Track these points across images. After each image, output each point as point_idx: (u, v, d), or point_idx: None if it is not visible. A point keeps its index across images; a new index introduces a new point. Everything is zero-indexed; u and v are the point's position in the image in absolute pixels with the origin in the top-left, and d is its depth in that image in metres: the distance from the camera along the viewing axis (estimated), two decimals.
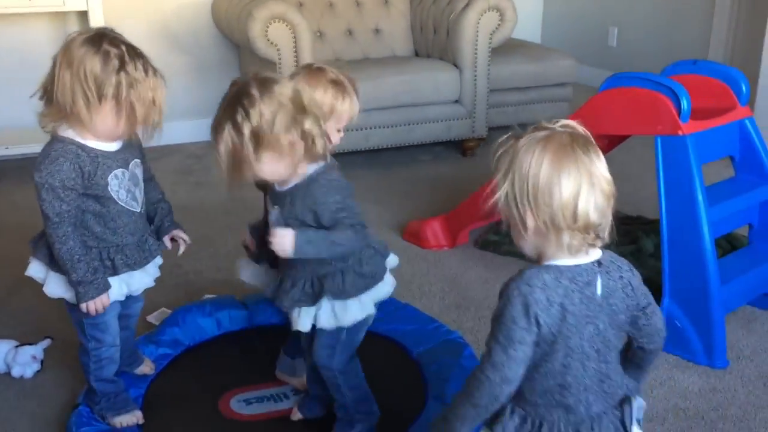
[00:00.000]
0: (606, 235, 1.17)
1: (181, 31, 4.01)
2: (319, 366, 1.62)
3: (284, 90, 1.44)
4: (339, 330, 1.57)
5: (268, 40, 3.31)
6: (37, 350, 2.02)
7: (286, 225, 1.51)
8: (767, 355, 2.09)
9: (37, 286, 2.48)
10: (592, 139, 1.22)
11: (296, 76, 1.71)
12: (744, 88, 2.21)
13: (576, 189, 1.13)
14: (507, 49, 3.94)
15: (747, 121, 2.23)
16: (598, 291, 1.18)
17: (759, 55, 3.44)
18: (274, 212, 1.55)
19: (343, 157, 3.67)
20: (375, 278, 1.60)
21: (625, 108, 2.17)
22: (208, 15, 4.02)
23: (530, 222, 1.16)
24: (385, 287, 1.63)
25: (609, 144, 2.48)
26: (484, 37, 3.66)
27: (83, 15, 3.60)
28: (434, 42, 3.90)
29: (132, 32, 4.18)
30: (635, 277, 1.25)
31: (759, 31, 3.55)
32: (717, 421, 1.82)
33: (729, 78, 2.24)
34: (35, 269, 1.67)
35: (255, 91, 1.42)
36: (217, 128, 1.43)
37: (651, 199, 2.37)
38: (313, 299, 1.55)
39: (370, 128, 3.47)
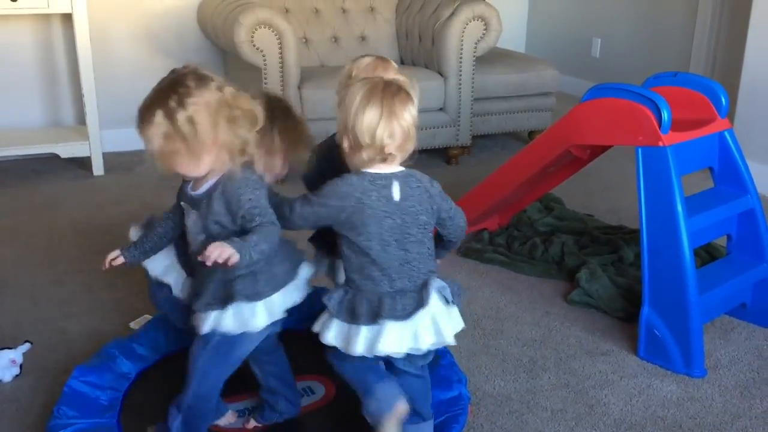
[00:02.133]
0: (402, 155, 1.55)
1: (167, 34, 4.00)
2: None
3: (222, 88, 1.48)
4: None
5: (254, 45, 3.31)
6: (16, 354, 2.00)
7: (205, 229, 1.53)
8: (744, 365, 2.12)
9: (17, 290, 2.48)
10: (408, 92, 1.56)
11: (362, 60, 1.97)
12: (723, 100, 2.24)
13: (375, 119, 1.49)
14: (491, 58, 3.97)
15: (726, 133, 2.26)
16: (395, 194, 1.54)
17: (739, 68, 3.49)
18: (191, 217, 1.56)
19: None
20: (286, 279, 1.60)
21: (606, 119, 2.20)
22: (193, 19, 4.02)
23: (345, 142, 1.54)
24: (298, 293, 1.62)
25: (591, 154, 2.51)
26: (468, 46, 3.68)
27: (68, 18, 3.60)
28: (419, 50, 3.92)
29: (116, 35, 4.21)
30: (434, 187, 1.63)
31: (739, 43, 3.60)
32: (694, 429, 1.84)
33: (709, 90, 2.27)
34: None
35: (192, 83, 1.44)
36: (146, 112, 1.43)
37: (631, 210, 2.40)
38: (223, 303, 1.53)
39: None
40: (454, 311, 1.59)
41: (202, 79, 1.46)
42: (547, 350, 2.18)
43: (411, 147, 1.56)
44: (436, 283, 1.56)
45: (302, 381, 1.92)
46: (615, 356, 2.15)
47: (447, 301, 1.57)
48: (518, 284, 2.59)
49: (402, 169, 1.57)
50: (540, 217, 2.98)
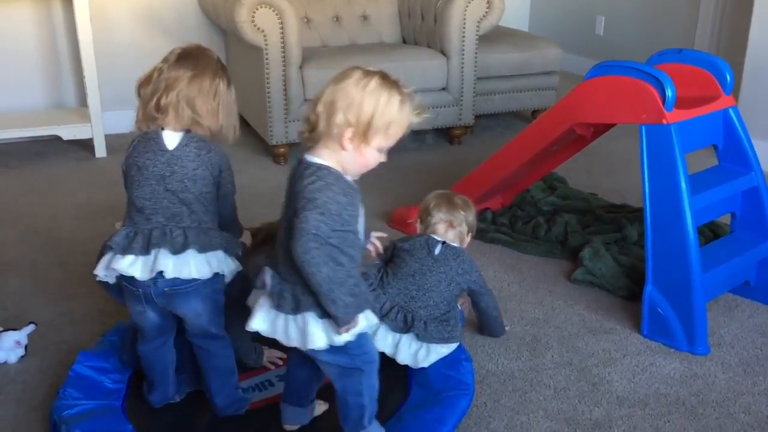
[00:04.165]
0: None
1: (167, 15, 3.98)
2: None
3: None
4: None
5: (255, 25, 3.29)
6: (21, 336, 2.01)
7: None
8: (748, 342, 2.12)
9: (21, 272, 2.49)
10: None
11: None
12: (728, 77, 2.23)
13: None
14: (494, 36, 3.94)
15: (731, 111, 2.24)
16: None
17: (744, 46, 3.46)
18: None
19: None
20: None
21: (610, 96, 2.18)
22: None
23: None
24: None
25: (594, 132, 2.50)
26: (471, 24, 3.65)
27: (68, 0, 3.57)
28: (422, 29, 3.89)
29: (117, 17, 4.19)
30: None
31: (744, 20, 3.57)
32: (697, 406, 1.85)
33: (713, 67, 2.25)
34: None
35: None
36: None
37: (635, 188, 2.40)
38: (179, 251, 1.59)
39: None
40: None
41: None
42: (550, 329, 2.18)
43: None
44: None
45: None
46: (618, 334, 2.15)
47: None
48: (521, 264, 2.59)
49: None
50: (543, 197, 2.97)
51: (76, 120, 3.63)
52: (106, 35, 3.82)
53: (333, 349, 1.48)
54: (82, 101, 3.80)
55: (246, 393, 1.81)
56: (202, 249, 1.60)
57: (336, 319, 1.42)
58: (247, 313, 1.90)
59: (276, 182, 3.32)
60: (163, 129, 1.61)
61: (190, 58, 1.62)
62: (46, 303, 2.29)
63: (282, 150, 3.55)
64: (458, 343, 1.91)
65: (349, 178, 1.46)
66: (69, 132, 3.59)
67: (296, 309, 1.45)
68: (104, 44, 3.77)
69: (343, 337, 1.45)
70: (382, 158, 1.48)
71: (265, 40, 3.32)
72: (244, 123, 4.11)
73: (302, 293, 1.44)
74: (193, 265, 1.58)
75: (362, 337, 1.50)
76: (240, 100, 4.04)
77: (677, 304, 2.06)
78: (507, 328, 2.12)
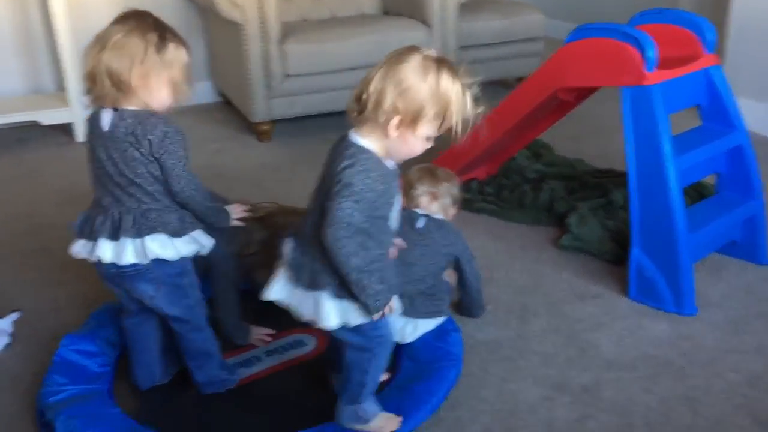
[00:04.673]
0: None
1: None
2: None
3: None
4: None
5: (233, 2, 3.24)
6: (6, 323, 1.99)
7: None
8: (735, 301, 2.12)
9: (4, 259, 2.46)
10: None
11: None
12: (710, 36, 2.20)
13: None
14: (475, 4, 3.90)
15: (713, 69, 2.22)
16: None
17: (729, 5, 3.43)
18: None
19: (314, 120, 3.64)
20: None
21: (590, 59, 2.16)
22: None
23: None
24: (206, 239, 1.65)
25: (577, 96, 2.48)
26: None
27: None
28: None
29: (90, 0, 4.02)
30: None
31: None
32: (686, 366, 1.85)
33: (695, 26, 2.22)
34: None
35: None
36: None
37: (621, 153, 2.37)
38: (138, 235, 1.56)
39: (340, 90, 3.43)
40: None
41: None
42: (538, 296, 2.18)
43: None
44: None
45: (292, 335, 1.93)
46: (606, 299, 2.15)
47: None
48: (508, 232, 2.58)
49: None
50: (529, 164, 2.96)
51: (55, 105, 3.58)
52: (82, 18, 3.74)
53: (348, 329, 1.47)
54: (60, 86, 3.75)
55: (234, 369, 1.80)
56: (138, 234, 1.54)
57: (367, 308, 1.41)
58: (233, 291, 1.89)
59: (260, 160, 3.30)
60: (102, 108, 1.54)
61: (117, 22, 1.52)
62: (30, 290, 2.27)
63: (265, 127, 3.51)
64: (446, 317, 1.91)
65: (389, 163, 1.42)
66: (48, 117, 3.54)
67: (312, 285, 1.44)
68: (81, 27, 3.69)
69: (357, 320, 1.44)
70: (429, 145, 1.41)
71: (244, 16, 3.27)
72: (226, 101, 4.07)
73: (320, 270, 1.42)
74: (130, 251, 1.54)
75: (378, 321, 1.48)
76: (222, 78, 3.98)
77: (664, 266, 2.05)
78: (488, 309, 2.09)
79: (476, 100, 1.38)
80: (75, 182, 3.09)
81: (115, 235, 1.54)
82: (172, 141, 1.53)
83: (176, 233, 1.57)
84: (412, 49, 1.37)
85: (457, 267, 1.97)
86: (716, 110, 2.25)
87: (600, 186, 2.73)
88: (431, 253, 1.88)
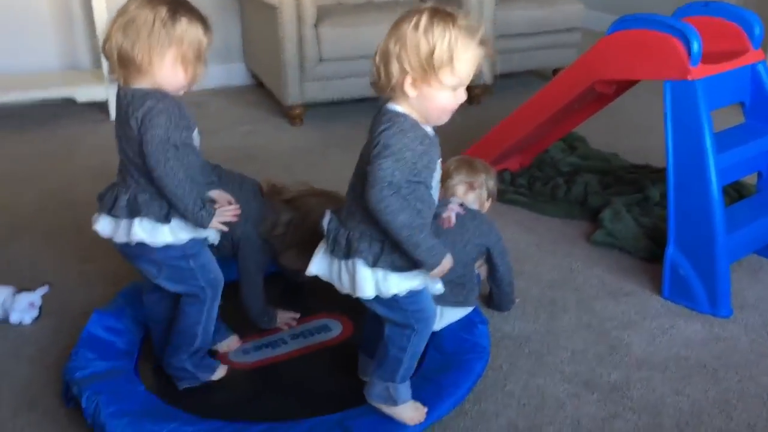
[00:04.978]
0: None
1: None
2: None
3: None
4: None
5: None
6: (35, 297, 2.01)
7: None
8: None
9: (36, 234, 2.49)
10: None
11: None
12: (757, 30, 2.14)
13: None
14: None
15: (759, 66, 2.15)
16: None
17: None
18: None
19: (347, 105, 3.62)
20: None
21: (633, 51, 2.11)
22: None
23: None
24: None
25: (617, 89, 2.42)
26: None
27: None
28: None
29: None
30: None
31: None
32: (719, 369, 1.80)
33: (742, 20, 2.16)
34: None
35: None
36: None
37: (658, 148, 2.33)
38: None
39: None
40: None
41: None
42: (569, 291, 2.14)
43: None
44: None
45: (318, 319, 1.92)
46: (638, 297, 2.11)
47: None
48: (540, 225, 2.54)
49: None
50: (563, 157, 2.91)
51: (91, 82, 3.61)
52: None
53: (387, 303, 1.46)
54: (97, 63, 3.77)
55: (259, 350, 1.81)
56: (129, 215, 1.52)
57: (423, 264, 1.39)
58: (258, 274, 1.88)
59: (291, 143, 3.29)
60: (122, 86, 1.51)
61: None
62: (61, 265, 2.29)
63: (298, 111, 3.50)
64: (473, 307, 1.88)
65: (428, 127, 1.41)
66: (84, 94, 3.57)
67: (347, 254, 1.43)
68: (117, 4, 3.72)
69: (392, 290, 1.43)
70: (461, 97, 1.38)
71: None
72: (259, 84, 4.06)
73: (357, 238, 1.41)
74: (122, 231, 1.54)
75: (417, 294, 1.47)
76: (256, 60, 3.99)
77: (700, 265, 2.00)
78: (516, 302, 2.05)
79: (482, 42, 1.35)
80: (108, 160, 3.08)
81: (113, 212, 1.54)
82: (152, 117, 1.45)
83: (162, 219, 1.52)
84: (411, 9, 1.36)
85: (489, 259, 1.94)
86: (760, 108, 2.18)
87: (636, 181, 2.67)
88: (462, 242, 1.85)
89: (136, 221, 1.52)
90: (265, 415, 1.59)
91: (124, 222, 1.54)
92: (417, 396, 1.60)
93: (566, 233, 2.48)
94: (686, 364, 1.82)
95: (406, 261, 1.41)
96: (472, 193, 1.93)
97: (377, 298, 1.44)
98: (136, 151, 1.48)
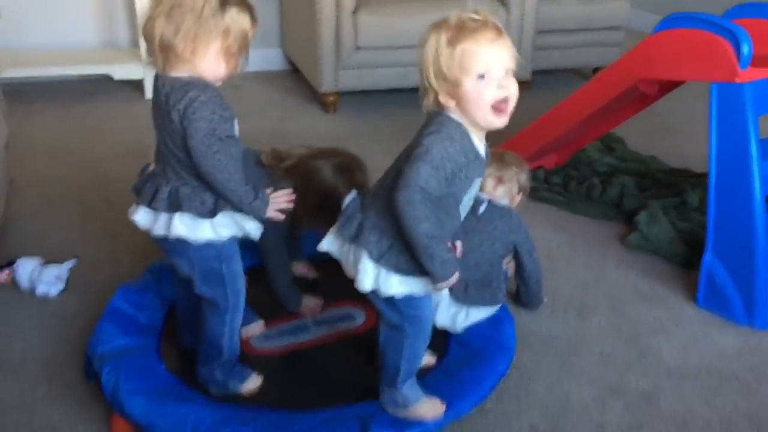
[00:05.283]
0: None
1: None
2: None
3: None
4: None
5: None
6: (62, 270, 2.02)
7: None
8: None
9: (66, 208, 2.50)
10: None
11: None
12: None
13: None
14: None
15: None
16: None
17: None
18: None
19: (381, 95, 3.59)
20: None
21: (680, 51, 2.04)
22: None
23: None
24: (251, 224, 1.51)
25: (660, 90, 2.36)
26: None
27: None
28: None
29: None
30: None
31: None
32: (752, 382, 1.75)
33: None
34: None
35: None
36: None
37: (698, 153, 2.27)
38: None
39: (409, 66, 3.36)
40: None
41: None
42: (600, 293, 2.09)
43: None
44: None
45: (342, 307, 1.90)
46: (672, 303, 2.05)
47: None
48: (573, 225, 2.49)
49: None
50: (600, 157, 2.85)
51: (128, 60, 3.62)
52: None
53: (385, 299, 1.43)
54: (135, 41, 3.79)
55: (281, 336, 1.79)
56: (169, 209, 1.45)
57: (432, 275, 1.36)
58: (282, 251, 1.85)
59: (323, 131, 3.27)
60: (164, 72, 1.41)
61: None
62: (90, 240, 2.30)
63: (332, 98, 3.47)
64: (499, 305, 1.84)
65: (480, 144, 1.38)
66: (120, 72, 3.58)
67: (354, 239, 1.41)
68: None
69: (390, 290, 1.40)
70: (501, 83, 1.31)
71: None
72: (294, 70, 4.05)
73: (369, 228, 1.39)
74: (161, 225, 1.47)
75: (416, 299, 1.43)
76: (293, 46, 3.96)
77: (738, 274, 1.94)
78: (545, 301, 2.01)
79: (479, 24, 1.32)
80: (141, 138, 3.11)
81: (152, 204, 1.47)
82: (196, 109, 1.37)
83: (205, 214, 1.44)
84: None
85: (516, 256, 1.90)
86: None
87: (674, 185, 2.61)
88: (490, 240, 1.81)
89: (177, 216, 1.44)
90: (283, 403, 1.57)
91: (163, 215, 1.46)
92: (438, 391, 1.57)
93: (600, 234, 2.42)
94: (718, 375, 1.77)
95: (411, 265, 1.38)
96: (502, 187, 1.88)
97: (376, 292, 1.42)
98: (178, 144, 1.40)
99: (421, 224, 1.31)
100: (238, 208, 1.45)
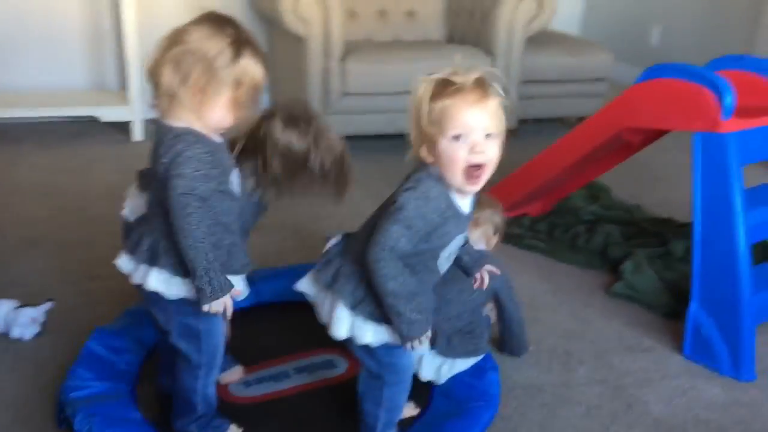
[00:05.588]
0: None
1: (212, 1, 3.94)
2: None
3: None
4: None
5: (298, 15, 3.23)
6: (38, 312, 1.97)
7: None
8: None
9: (47, 249, 2.46)
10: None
11: None
12: None
13: None
14: (543, 39, 3.83)
15: None
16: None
17: None
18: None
19: (368, 140, 3.60)
20: None
21: (663, 101, 2.06)
22: None
23: None
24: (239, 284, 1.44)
25: (644, 139, 2.38)
26: (519, 25, 3.55)
27: None
28: (469, 27, 3.80)
29: (161, 2, 4.16)
30: None
31: None
32: None
33: None
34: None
35: None
36: None
37: (683, 203, 2.27)
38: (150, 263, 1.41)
39: (396, 112, 3.39)
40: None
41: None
42: (585, 343, 2.07)
43: None
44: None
45: (324, 355, 1.86)
46: (657, 354, 2.03)
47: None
48: (557, 273, 2.47)
49: None
50: (585, 205, 2.85)
51: (116, 102, 3.63)
52: (150, 19, 3.80)
53: (362, 347, 1.41)
54: (123, 84, 3.80)
55: (261, 383, 1.75)
56: (148, 261, 1.40)
57: (400, 334, 1.34)
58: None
59: None
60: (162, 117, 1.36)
61: (192, 23, 1.34)
62: (68, 282, 2.25)
63: None
64: (484, 353, 1.81)
65: (462, 203, 1.37)
66: (108, 114, 3.58)
67: (330, 286, 1.39)
68: (148, 28, 3.74)
69: (365, 338, 1.38)
70: (477, 148, 1.29)
71: (308, 32, 3.26)
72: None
73: (345, 275, 1.38)
74: (139, 275, 1.42)
75: (393, 347, 1.40)
76: (281, 91, 3.96)
77: (723, 325, 1.93)
78: (530, 349, 1.98)
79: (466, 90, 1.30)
80: (126, 180, 3.08)
81: (134, 253, 1.43)
82: (178, 164, 1.31)
83: (182, 272, 1.37)
84: None
85: (497, 301, 1.88)
86: None
87: (659, 234, 2.61)
88: (470, 288, 1.77)
89: (155, 270, 1.39)
90: None
91: (142, 266, 1.42)
92: None
93: (584, 283, 2.41)
94: (705, 428, 1.74)
95: (386, 315, 1.36)
96: (477, 230, 1.86)
97: (352, 339, 1.40)
98: (161, 195, 1.35)
99: (388, 283, 1.30)
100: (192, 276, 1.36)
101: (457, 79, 1.31)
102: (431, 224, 1.32)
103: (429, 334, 1.37)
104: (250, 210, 1.68)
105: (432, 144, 1.32)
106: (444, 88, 1.31)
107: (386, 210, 1.34)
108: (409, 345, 1.35)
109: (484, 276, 1.59)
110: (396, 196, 1.33)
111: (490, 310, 1.92)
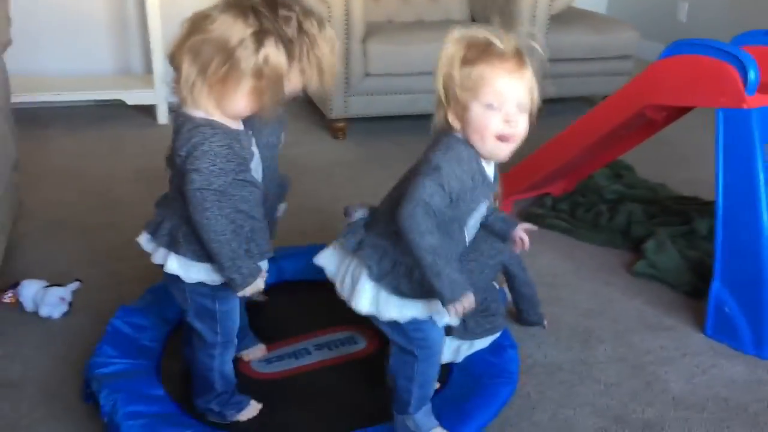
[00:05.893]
0: None
1: None
2: None
3: None
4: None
5: None
6: (65, 292, 2.02)
7: None
8: None
9: (73, 231, 2.51)
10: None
11: None
12: None
13: None
14: (568, 17, 3.78)
15: None
16: None
17: None
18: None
19: (390, 121, 3.60)
20: None
21: (686, 77, 2.03)
22: None
23: None
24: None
25: (667, 117, 2.34)
26: (544, 3, 3.51)
27: None
28: (492, 7, 3.76)
29: None
30: None
31: None
32: (761, 413, 1.71)
33: None
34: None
35: None
36: None
37: (708, 181, 2.24)
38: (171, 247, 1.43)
39: (418, 93, 3.38)
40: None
41: None
42: (605, 321, 2.06)
43: None
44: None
45: (344, 332, 1.88)
46: (679, 332, 2.02)
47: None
48: (579, 252, 2.46)
49: None
50: (608, 184, 2.83)
51: (141, 86, 3.67)
52: (173, 3, 3.82)
53: (389, 323, 1.40)
54: (148, 68, 3.83)
55: (282, 360, 1.78)
56: (168, 245, 1.42)
57: (441, 297, 1.28)
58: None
59: (332, 157, 3.27)
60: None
61: (215, 8, 1.31)
62: (95, 263, 2.30)
63: (341, 125, 3.49)
64: (501, 330, 1.81)
65: (489, 167, 1.35)
66: (133, 97, 3.62)
67: (355, 251, 1.37)
68: (172, 12, 3.77)
69: (390, 313, 1.36)
70: (510, 118, 1.27)
71: (329, 12, 3.26)
72: (303, 95, 4.07)
73: (370, 244, 1.36)
74: (159, 256, 1.45)
75: (422, 323, 1.40)
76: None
77: (746, 303, 1.91)
78: (545, 323, 1.98)
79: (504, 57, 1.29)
80: (151, 163, 3.13)
81: (154, 236, 1.45)
82: (195, 158, 1.31)
83: (201, 259, 1.40)
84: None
85: (506, 273, 1.87)
86: None
87: (683, 213, 2.58)
88: (479, 268, 1.72)
89: (173, 254, 1.42)
90: (282, 429, 1.55)
91: (162, 249, 1.45)
92: (439, 419, 1.54)
93: (606, 262, 2.40)
94: (726, 406, 1.73)
95: (413, 289, 1.34)
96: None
97: (375, 315, 1.39)
98: (180, 183, 1.36)
99: (425, 238, 1.25)
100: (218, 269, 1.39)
101: (497, 43, 1.28)
102: (464, 186, 1.29)
103: (472, 299, 1.30)
104: (273, 191, 1.70)
105: (462, 109, 1.29)
106: (482, 52, 1.27)
107: (415, 172, 1.30)
108: (452, 309, 1.28)
109: (523, 237, 1.55)
110: (427, 158, 1.30)
111: (503, 284, 1.91)
